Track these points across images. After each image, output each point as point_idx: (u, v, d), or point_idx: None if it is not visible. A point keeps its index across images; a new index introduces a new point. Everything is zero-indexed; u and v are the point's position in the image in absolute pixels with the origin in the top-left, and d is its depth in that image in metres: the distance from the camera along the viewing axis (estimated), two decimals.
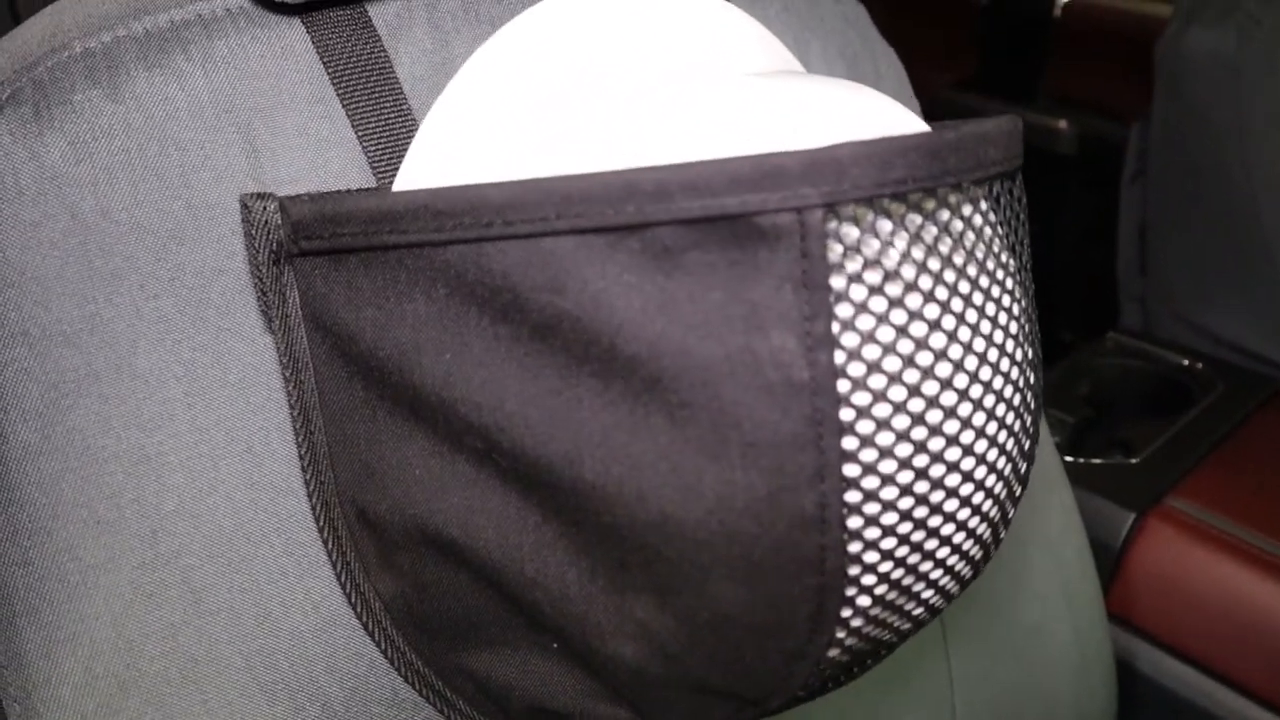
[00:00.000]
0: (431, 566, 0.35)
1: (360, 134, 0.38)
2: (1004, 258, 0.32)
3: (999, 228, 0.32)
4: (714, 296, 0.29)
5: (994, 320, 0.31)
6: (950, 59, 1.57)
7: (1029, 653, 0.56)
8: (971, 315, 0.30)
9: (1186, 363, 0.86)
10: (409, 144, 0.38)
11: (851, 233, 0.28)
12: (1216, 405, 0.79)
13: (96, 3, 0.37)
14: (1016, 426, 0.32)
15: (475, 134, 0.35)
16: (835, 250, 0.28)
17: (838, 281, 0.29)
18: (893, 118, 0.33)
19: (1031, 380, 0.33)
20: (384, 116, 0.38)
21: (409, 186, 0.35)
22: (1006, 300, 0.32)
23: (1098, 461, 0.74)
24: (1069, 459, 0.75)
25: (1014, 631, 0.55)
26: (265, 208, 0.34)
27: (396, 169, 0.38)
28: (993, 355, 0.31)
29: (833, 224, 0.28)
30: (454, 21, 0.41)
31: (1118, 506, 0.68)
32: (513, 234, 0.30)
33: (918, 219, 0.29)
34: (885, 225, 0.29)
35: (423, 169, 0.35)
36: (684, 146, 0.31)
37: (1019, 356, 0.32)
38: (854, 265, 0.29)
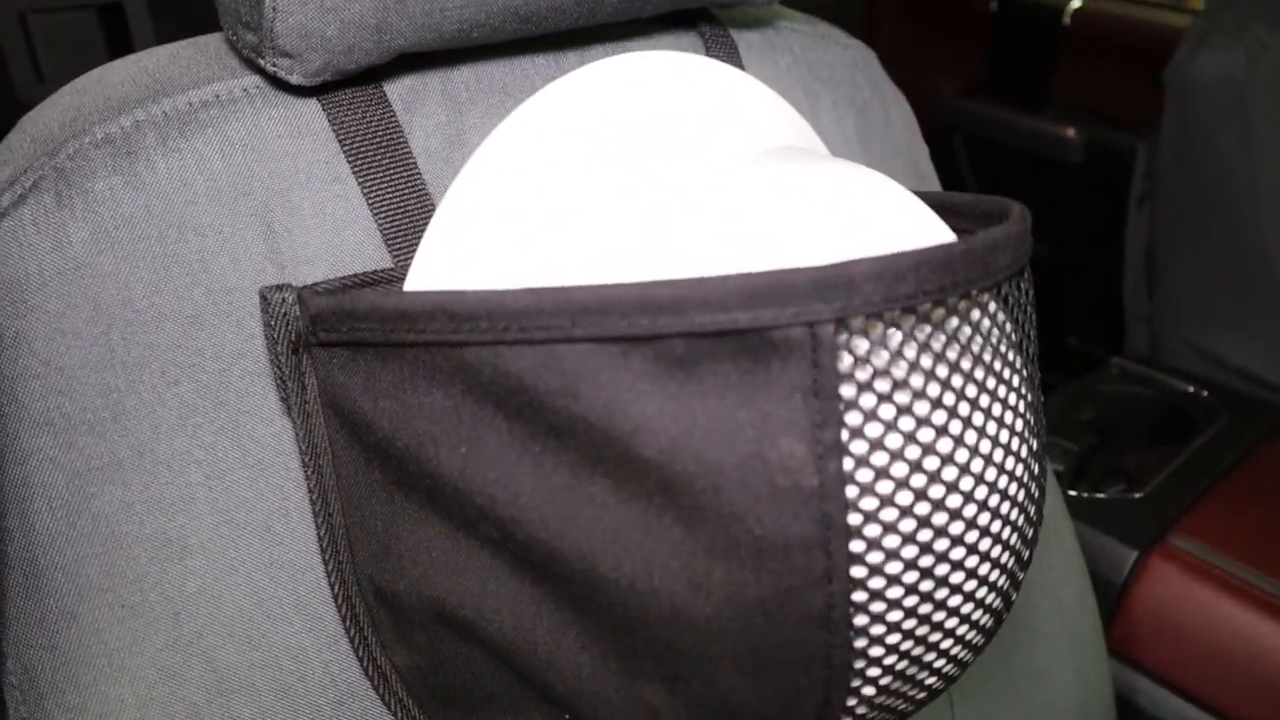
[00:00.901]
0: (447, 643, 0.36)
1: (376, 212, 0.38)
2: (1010, 355, 0.33)
3: (1006, 325, 0.33)
4: (726, 404, 0.29)
5: (1000, 420, 0.32)
6: (959, 65, 1.56)
7: (1031, 696, 0.57)
8: (978, 418, 0.31)
9: (1191, 390, 0.86)
10: (424, 222, 0.39)
11: (861, 344, 0.29)
12: (1220, 435, 0.80)
13: (116, 83, 0.37)
14: (1020, 520, 0.33)
15: (490, 225, 0.36)
16: (845, 361, 0.29)
17: (847, 390, 0.29)
18: (903, 215, 0.33)
19: (1036, 471, 0.34)
20: (399, 194, 0.39)
21: (424, 275, 0.36)
22: (1013, 398, 0.32)
23: (1101, 496, 0.74)
24: (1072, 493, 0.75)
25: (1015, 675, 0.56)
26: (284, 299, 0.34)
27: (412, 247, 0.38)
28: (998, 455, 0.32)
29: (843, 336, 0.29)
30: (468, 91, 0.42)
31: (1121, 543, 0.69)
32: (529, 340, 0.30)
33: (927, 328, 0.30)
34: (895, 336, 0.29)
35: (438, 258, 0.36)
36: (700, 250, 0.32)
37: (1023, 452, 0.33)
38: (864, 375, 0.29)
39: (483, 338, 0.31)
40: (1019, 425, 0.33)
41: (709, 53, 0.48)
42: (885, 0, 1.61)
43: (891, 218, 0.33)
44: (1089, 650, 0.59)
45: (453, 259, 0.36)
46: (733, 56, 0.49)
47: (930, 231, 0.33)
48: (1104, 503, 0.73)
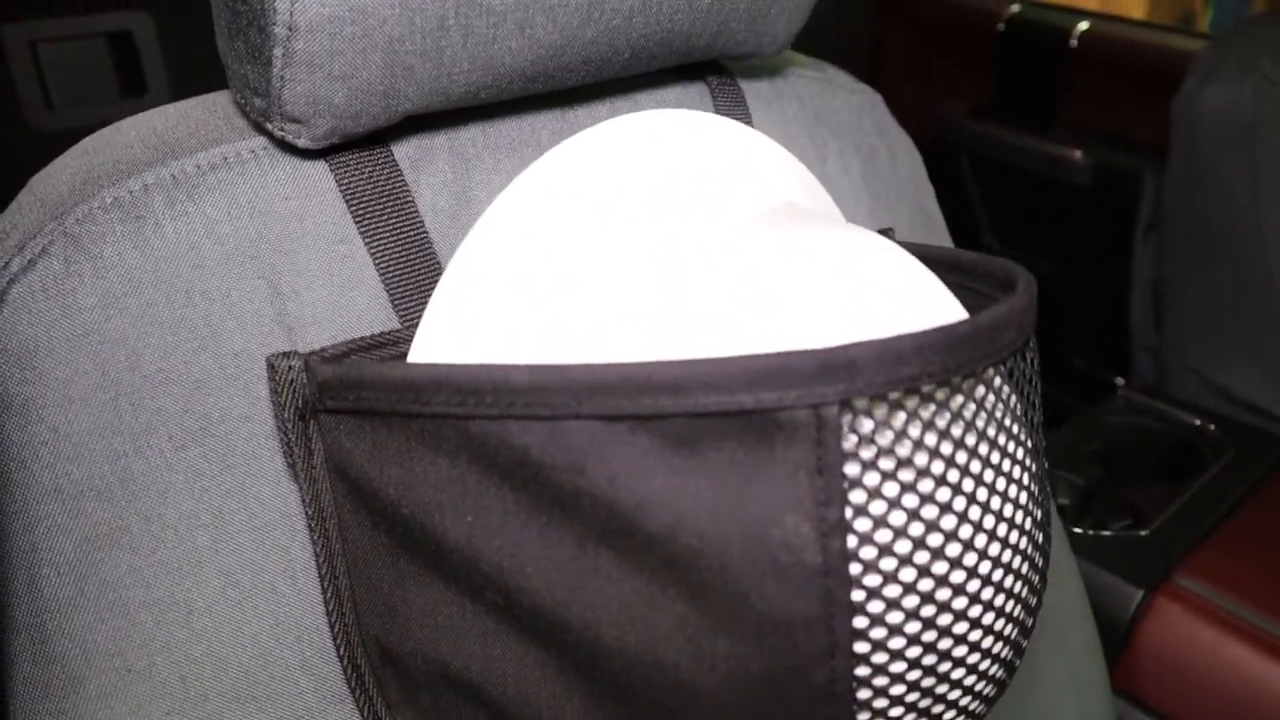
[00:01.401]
0: (452, 705, 0.36)
1: (383, 273, 0.38)
2: (1015, 428, 0.33)
3: (1011, 398, 0.33)
4: (731, 481, 0.29)
5: (1004, 494, 0.32)
6: (966, 86, 1.56)
7: None
8: (982, 494, 0.31)
9: (1198, 423, 0.86)
10: (431, 283, 0.39)
11: (865, 424, 0.29)
12: (1227, 470, 0.79)
13: (124, 145, 0.38)
14: (1024, 591, 0.33)
15: (497, 287, 0.36)
16: (849, 440, 0.29)
17: (851, 468, 0.29)
18: (911, 286, 0.34)
19: (1040, 540, 0.34)
20: (406, 255, 0.39)
21: (431, 339, 0.36)
22: (1017, 471, 0.32)
23: (1107, 534, 0.74)
24: (1077, 530, 0.75)
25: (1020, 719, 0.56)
26: (291, 367, 0.35)
27: (419, 308, 0.39)
28: (1002, 530, 0.32)
29: (847, 416, 0.29)
30: (475, 148, 0.42)
31: (1126, 583, 0.68)
32: (534, 415, 0.30)
33: (931, 406, 0.30)
34: (899, 415, 0.30)
35: (445, 321, 0.36)
36: (708, 318, 0.32)
37: (1027, 524, 0.33)
38: (868, 453, 0.29)
39: (488, 412, 0.31)
40: (1023, 498, 0.33)
41: (716, 104, 0.49)
42: (893, 20, 1.62)
43: (899, 288, 0.33)
44: (1093, 693, 0.58)
45: (459, 322, 0.36)
46: (740, 106, 0.50)
47: (937, 304, 0.34)
48: (1109, 540, 0.73)
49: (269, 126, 0.37)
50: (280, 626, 0.36)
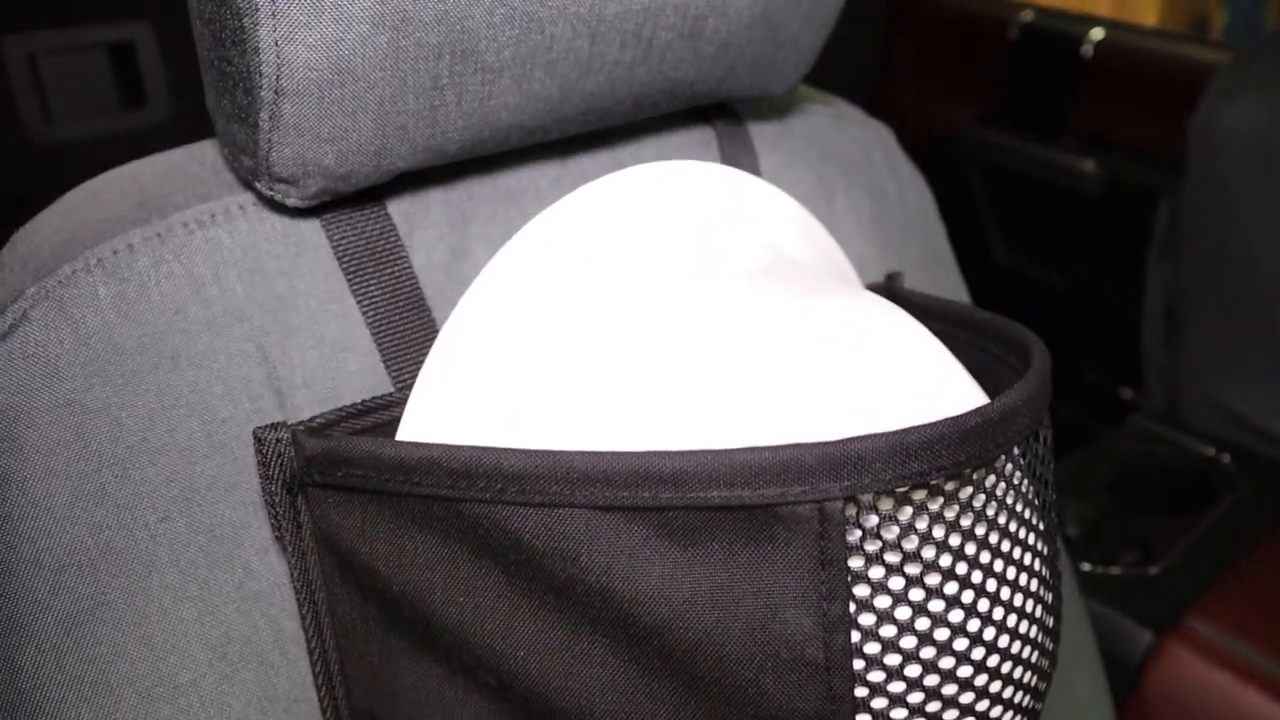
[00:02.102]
0: None
1: (376, 333, 0.37)
2: (1027, 513, 0.31)
3: (1023, 483, 0.31)
4: (730, 575, 0.28)
5: (1014, 584, 0.31)
6: (977, 93, 1.54)
7: None
8: (991, 585, 0.30)
9: (1212, 453, 0.84)
10: (425, 344, 0.38)
11: (871, 519, 0.28)
12: (1241, 505, 0.78)
13: (110, 201, 0.36)
14: (1033, 680, 0.32)
15: (494, 353, 0.35)
16: (854, 534, 0.28)
17: (856, 562, 0.28)
18: (920, 367, 0.32)
19: (1051, 624, 0.33)
20: (400, 314, 0.38)
21: (425, 408, 0.35)
22: (1028, 558, 0.31)
23: (1116, 572, 0.73)
24: (1086, 567, 0.74)
25: None
26: (278, 440, 0.34)
27: (413, 370, 0.37)
28: (1011, 620, 0.30)
29: (852, 511, 0.28)
30: (471, 200, 0.41)
31: (1136, 624, 0.67)
32: (528, 502, 0.29)
33: (940, 499, 0.29)
34: (906, 509, 0.28)
35: (440, 388, 0.35)
36: (707, 409, 0.31)
37: (1038, 612, 0.32)
38: (873, 547, 0.28)
39: (480, 495, 0.30)
40: (1034, 584, 0.31)
41: (722, 148, 0.47)
42: (901, 27, 1.60)
43: (909, 368, 0.32)
44: None
45: (454, 389, 0.35)
46: (746, 150, 0.48)
47: (948, 385, 0.32)
48: (1119, 579, 0.71)
49: (258, 185, 0.35)
50: (269, 699, 0.35)
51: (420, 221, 0.39)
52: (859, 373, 0.31)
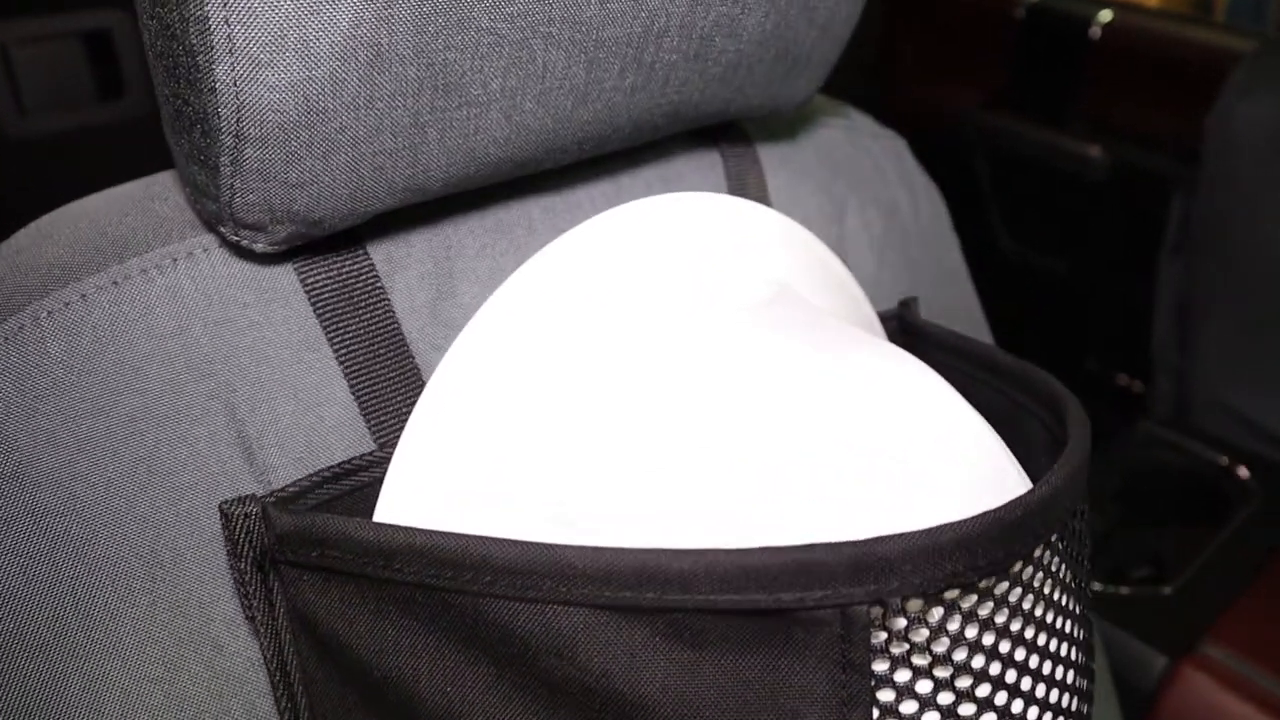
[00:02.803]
0: None
1: (354, 385, 0.34)
2: (1064, 600, 0.29)
3: (1061, 568, 0.29)
4: (741, 678, 0.26)
5: (1049, 678, 0.28)
6: (980, 77, 1.51)
7: None
8: (1026, 683, 0.27)
9: (1225, 462, 0.82)
10: (409, 396, 0.35)
11: (899, 622, 0.25)
12: (1256, 517, 0.76)
13: (62, 243, 0.33)
14: None
15: (485, 414, 0.32)
16: (879, 636, 0.25)
17: (880, 665, 0.26)
18: (947, 440, 0.29)
19: (1085, 711, 0.30)
20: (381, 363, 0.35)
21: (408, 477, 0.32)
22: (1065, 648, 0.29)
23: (1126, 591, 0.70)
24: (1097, 585, 0.71)
25: None
26: (247, 515, 0.31)
27: (396, 425, 0.35)
28: (1046, 719, 0.28)
29: (878, 613, 0.25)
30: (457, 232, 0.38)
31: (1149, 648, 0.65)
32: (520, 597, 0.27)
33: (974, 596, 0.26)
34: (937, 611, 0.26)
35: (425, 452, 0.32)
36: (713, 462, 0.28)
37: (1074, 705, 0.29)
38: (899, 649, 0.26)
39: (467, 587, 0.27)
40: (1070, 676, 0.29)
41: (728, 171, 0.44)
42: (904, 8, 1.56)
43: (935, 443, 0.29)
44: None
45: (442, 451, 0.32)
46: (754, 170, 0.45)
47: (980, 459, 0.29)
48: (1132, 601, 0.69)
49: (222, 230, 0.32)
50: None
51: (402, 260, 0.36)
52: (881, 449, 0.28)
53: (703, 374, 0.31)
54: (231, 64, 0.27)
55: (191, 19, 0.27)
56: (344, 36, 0.28)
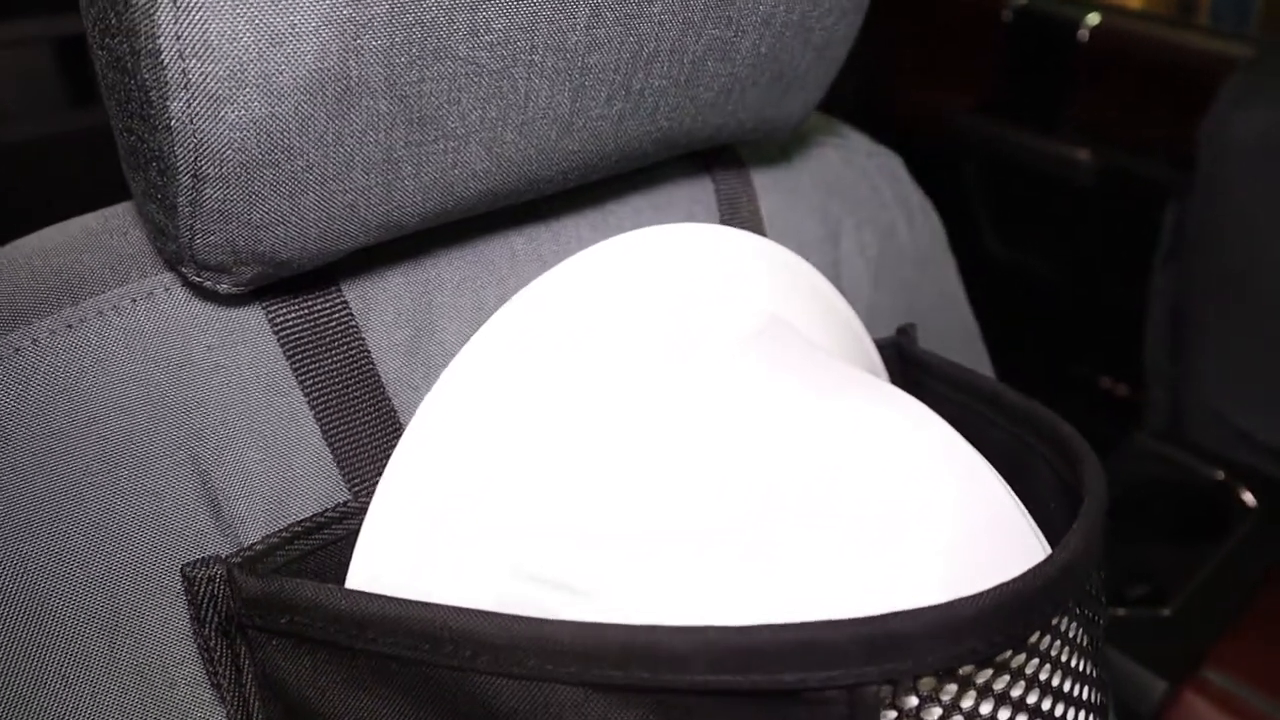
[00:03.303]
0: None
1: (327, 430, 0.33)
2: (1082, 665, 0.27)
3: (1079, 634, 0.27)
4: None
5: None
6: (969, 81, 1.50)
7: None
8: None
9: (1222, 477, 0.81)
10: (386, 442, 0.33)
11: (910, 700, 0.24)
12: (1255, 534, 0.75)
13: (11, 283, 0.31)
14: None
15: (466, 463, 0.30)
16: (889, 716, 0.24)
17: None
18: (957, 495, 0.28)
19: None
20: (356, 410, 0.33)
21: (385, 531, 0.30)
22: (1082, 716, 0.27)
23: (1123, 613, 0.69)
24: None
25: None
26: (210, 578, 0.29)
27: (372, 476, 0.33)
28: None
29: (888, 691, 0.24)
30: (435, 266, 0.36)
31: (1149, 673, 0.64)
32: (506, 673, 0.25)
33: (989, 671, 0.25)
34: (950, 688, 0.24)
35: (403, 508, 0.30)
36: (710, 561, 0.26)
37: None
38: None
39: (448, 662, 0.25)
40: None
41: (719, 196, 0.43)
42: (892, 11, 1.54)
43: (944, 501, 0.27)
44: None
45: (422, 507, 0.30)
46: (746, 194, 0.43)
47: (991, 518, 0.28)
48: (1130, 623, 0.68)
49: (183, 270, 0.30)
50: None
51: (377, 296, 0.34)
52: (890, 507, 0.27)
53: (687, 424, 0.30)
54: (187, 100, 0.25)
55: (143, 52, 0.25)
56: (310, 70, 0.26)
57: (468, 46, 0.28)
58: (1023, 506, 0.29)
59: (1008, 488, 0.29)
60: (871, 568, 0.25)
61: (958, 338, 0.53)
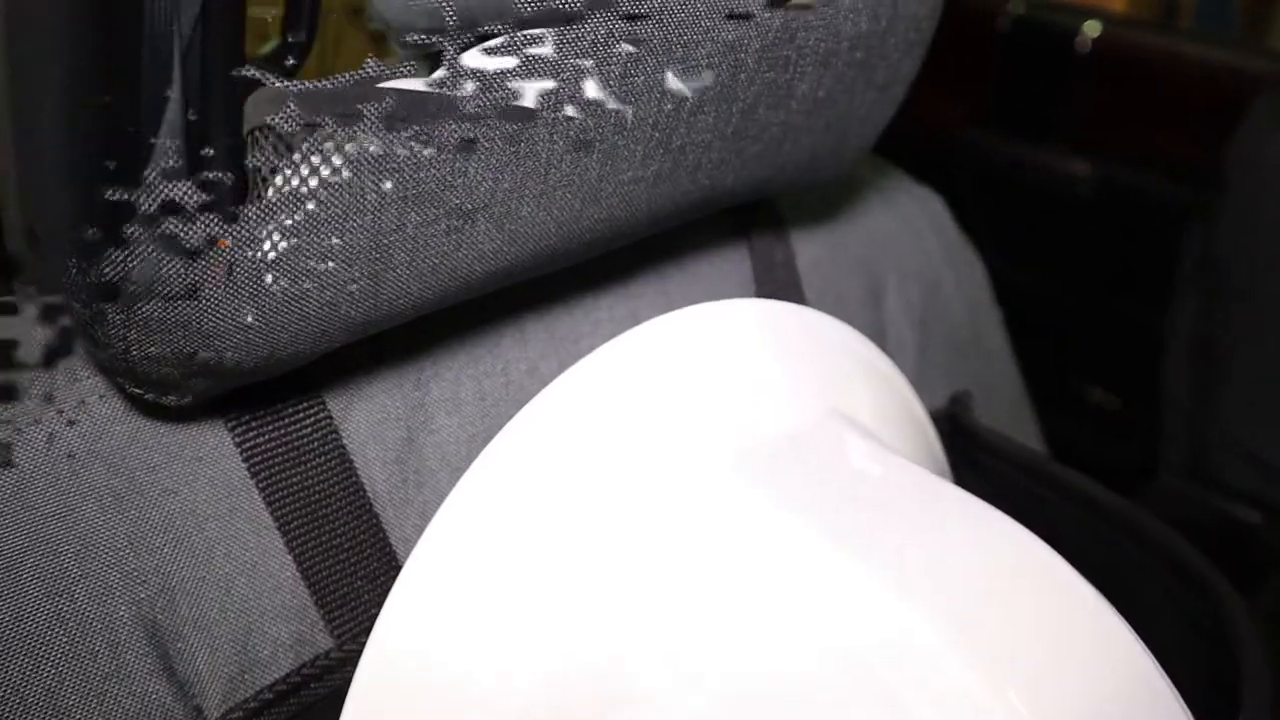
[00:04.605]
0: None
1: (304, 567, 0.27)
2: None
3: None
4: None
5: None
6: (964, 92, 1.46)
7: None
8: None
9: (1257, 520, 0.76)
10: (376, 580, 0.27)
11: None
12: None
13: None
14: None
15: (474, 600, 0.25)
16: None
17: None
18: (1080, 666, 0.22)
19: None
20: (339, 538, 0.27)
21: (381, 697, 0.24)
22: None
23: None
24: None
25: None
26: None
27: (362, 619, 0.27)
28: None
29: None
30: (432, 356, 0.30)
31: None
32: None
33: None
34: None
35: (403, 666, 0.24)
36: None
37: None
38: None
39: None
40: None
41: (753, 252, 0.37)
42: None
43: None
44: None
45: (424, 662, 0.25)
46: (780, 247, 0.38)
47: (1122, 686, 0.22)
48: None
49: (122, 382, 0.24)
50: None
51: (361, 393, 0.29)
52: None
53: (701, 575, 0.25)
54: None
55: None
56: None
57: (475, 105, 0.23)
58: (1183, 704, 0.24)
59: (1168, 682, 0.24)
60: None
61: (1005, 401, 0.48)
